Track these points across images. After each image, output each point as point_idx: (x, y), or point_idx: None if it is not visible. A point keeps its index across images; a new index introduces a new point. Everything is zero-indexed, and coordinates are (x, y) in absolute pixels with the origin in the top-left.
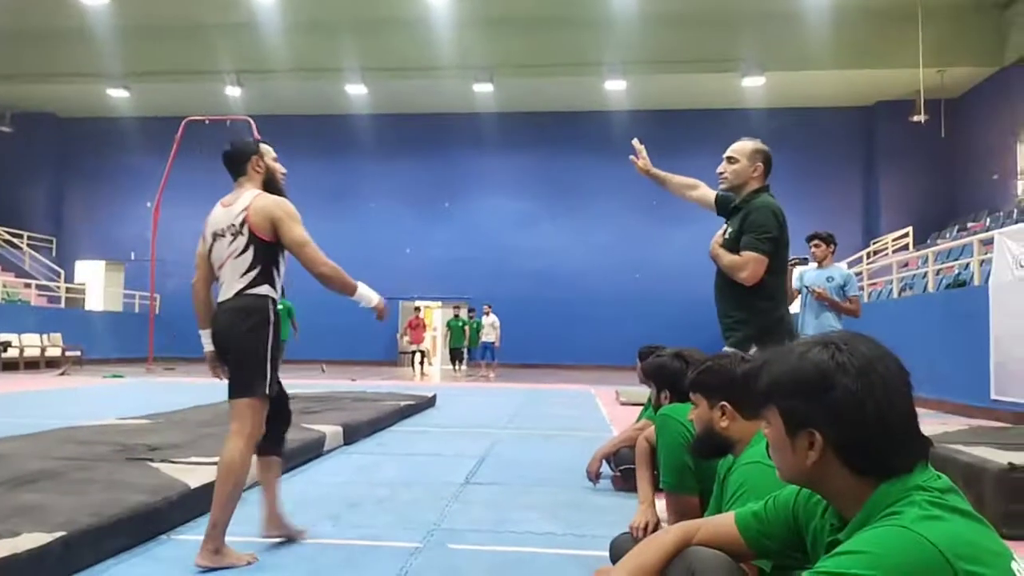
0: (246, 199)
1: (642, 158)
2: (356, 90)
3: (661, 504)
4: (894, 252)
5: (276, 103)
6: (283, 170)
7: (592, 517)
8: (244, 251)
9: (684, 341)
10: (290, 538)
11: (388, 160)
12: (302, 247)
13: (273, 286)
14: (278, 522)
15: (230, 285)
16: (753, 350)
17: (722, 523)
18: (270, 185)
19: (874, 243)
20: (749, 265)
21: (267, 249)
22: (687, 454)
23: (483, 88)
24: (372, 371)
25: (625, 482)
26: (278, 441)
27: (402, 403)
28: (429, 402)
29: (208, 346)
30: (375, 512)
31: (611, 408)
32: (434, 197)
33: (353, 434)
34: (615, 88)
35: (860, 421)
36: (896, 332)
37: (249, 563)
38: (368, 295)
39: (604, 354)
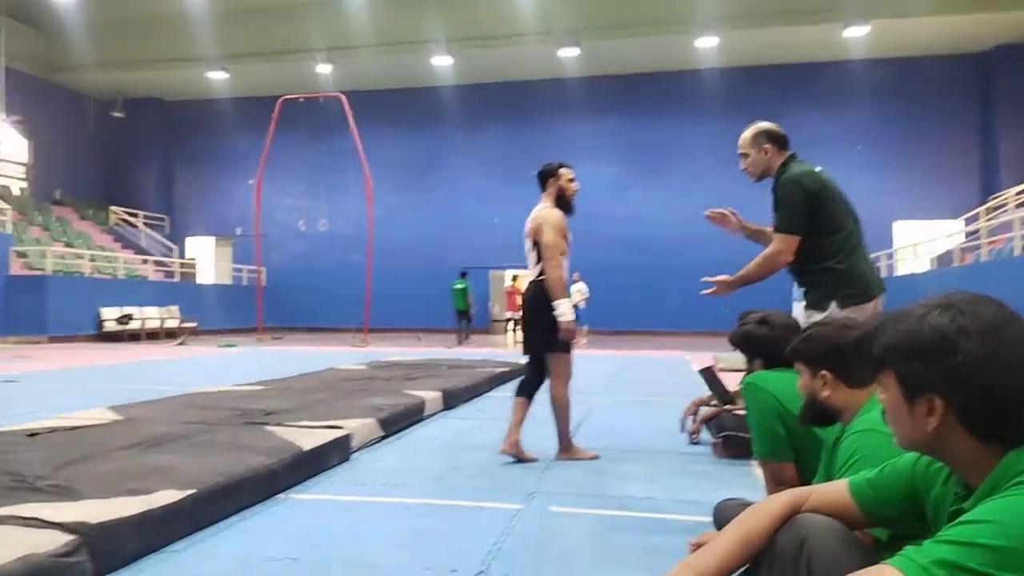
0: (535, 210)
1: (733, 216)
2: (441, 61)
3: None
4: (1016, 208)
5: (365, 79)
6: (576, 187)
7: (693, 483)
8: (532, 249)
9: (787, 304)
10: (521, 460)
11: (474, 130)
12: (545, 247)
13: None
14: (516, 448)
15: (531, 274)
16: (832, 308)
17: (834, 490)
18: (561, 200)
19: (992, 199)
20: (778, 247)
21: (540, 248)
22: (778, 421)
23: (569, 53)
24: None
25: (726, 449)
26: (532, 390)
27: (497, 370)
28: (524, 368)
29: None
30: (476, 475)
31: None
32: (521, 166)
33: (452, 399)
34: (706, 45)
35: (983, 387)
36: (1018, 291)
37: (594, 458)
38: (565, 311)
39: (699, 320)
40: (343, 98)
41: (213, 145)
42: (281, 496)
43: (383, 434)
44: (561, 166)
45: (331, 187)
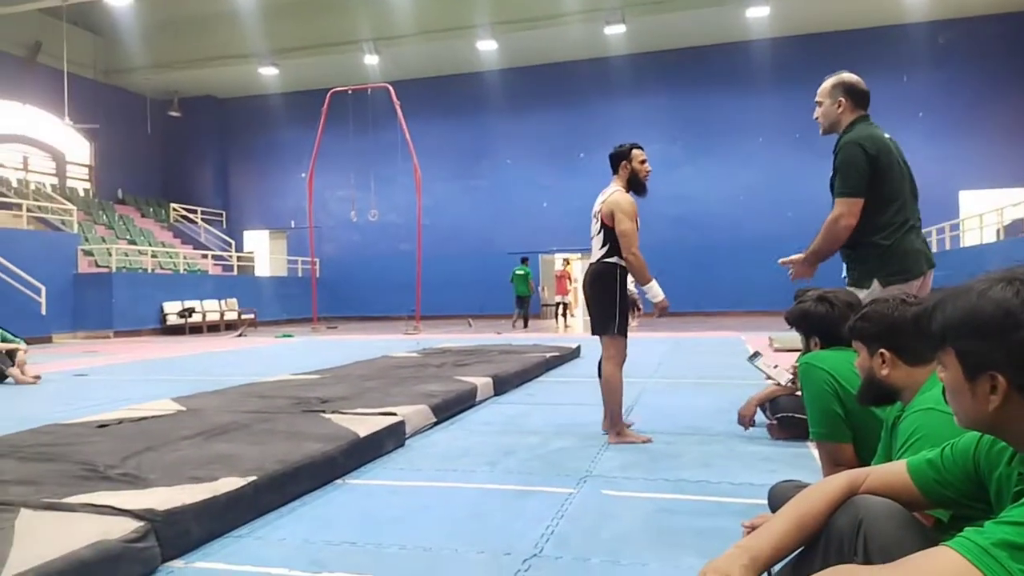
0: (606, 194)
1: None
2: (487, 46)
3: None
4: None
5: (410, 67)
6: (648, 169)
7: (747, 465)
8: (599, 232)
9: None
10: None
11: (520, 115)
12: (622, 235)
13: (620, 256)
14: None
15: (593, 255)
16: (874, 287)
17: (893, 471)
18: (634, 182)
19: None
20: (839, 211)
21: (609, 232)
22: (835, 402)
23: (615, 30)
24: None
25: (781, 431)
26: None
27: (547, 355)
28: (574, 353)
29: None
30: (528, 459)
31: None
32: (568, 148)
33: (503, 385)
34: (757, 15)
35: None
36: None
37: (645, 441)
38: (656, 291)
39: (753, 299)
40: (390, 88)
41: (266, 140)
42: (339, 481)
43: (436, 420)
44: (633, 147)
45: (380, 177)
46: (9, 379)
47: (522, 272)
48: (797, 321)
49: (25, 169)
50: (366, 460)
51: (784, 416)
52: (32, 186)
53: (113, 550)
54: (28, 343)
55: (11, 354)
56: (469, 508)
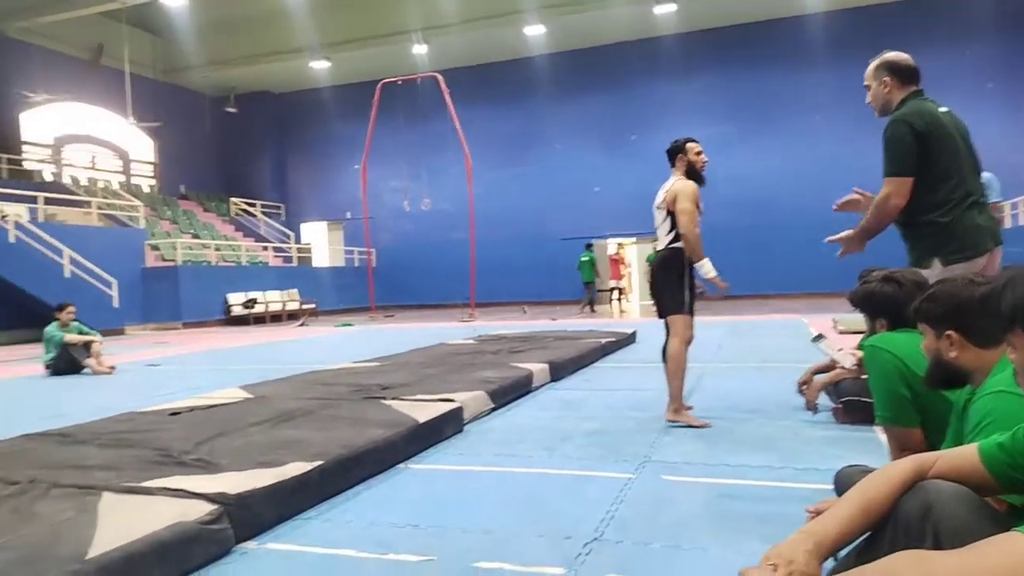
0: (668, 184)
1: (862, 197)
2: (534, 31)
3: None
4: None
5: (458, 56)
6: (705, 160)
7: (811, 450)
8: (665, 219)
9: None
10: (691, 426)
11: (569, 99)
12: (680, 213)
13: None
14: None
15: (660, 242)
16: (935, 266)
17: (963, 455)
18: (692, 173)
19: None
20: (887, 191)
21: (674, 219)
22: (902, 385)
23: (665, 9)
24: (570, 310)
25: (847, 415)
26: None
27: (603, 340)
28: (629, 338)
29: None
30: (586, 444)
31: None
32: (619, 131)
33: (559, 371)
34: None
35: None
36: None
37: (703, 426)
38: (708, 268)
39: (814, 281)
40: (439, 77)
41: (321, 133)
42: (400, 466)
43: (493, 406)
44: (688, 141)
45: (432, 166)
46: (86, 369)
47: (587, 258)
48: (862, 302)
49: (93, 168)
50: (426, 445)
51: (849, 400)
52: (100, 184)
53: (190, 531)
54: (103, 335)
55: (88, 346)
56: (528, 492)
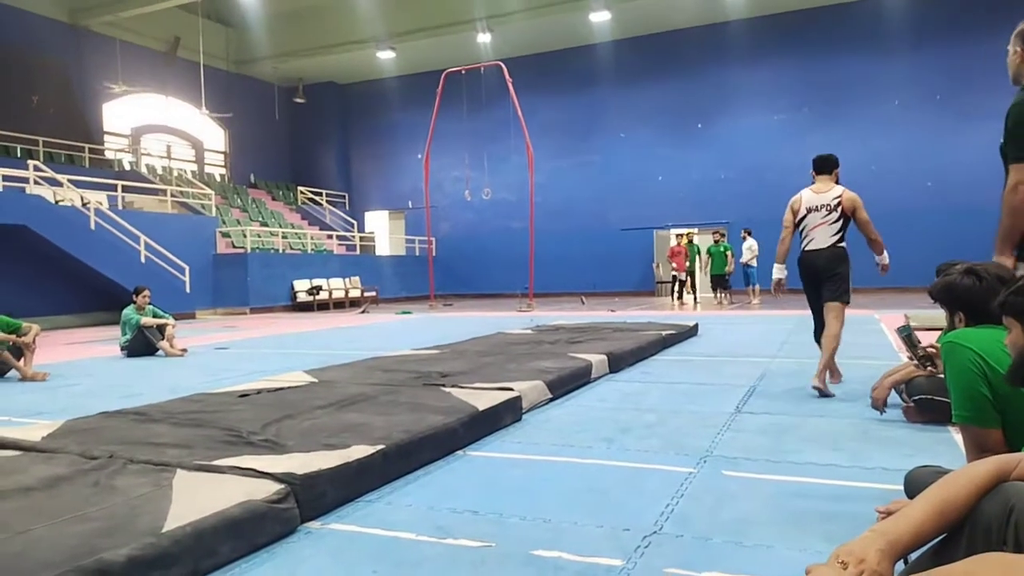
0: (836, 191)
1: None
2: (600, 17)
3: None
4: None
5: (521, 44)
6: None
7: (881, 449)
8: (836, 221)
9: (990, 256)
10: (823, 394)
11: (633, 86)
12: (866, 223)
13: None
14: (824, 379)
15: (822, 239)
16: None
17: None
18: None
19: None
20: (1017, 179)
21: (846, 221)
22: (982, 383)
23: None
24: (629, 301)
25: (920, 414)
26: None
27: (664, 332)
28: (691, 331)
29: (779, 274)
30: (646, 437)
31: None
32: (685, 119)
33: (618, 363)
34: None
35: None
36: None
37: (830, 396)
38: (886, 256)
39: (888, 275)
40: (503, 66)
41: (384, 123)
42: (459, 453)
43: (551, 396)
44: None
45: (493, 155)
46: (160, 352)
47: (719, 249)
48: (940, 295)
49: (168, 157)
50: (485, 433)
51: (923, 398)
52: (175, 173)
53: (259, 510)
54: (175, 319)
55: (161, 329)
56: (587, 483)
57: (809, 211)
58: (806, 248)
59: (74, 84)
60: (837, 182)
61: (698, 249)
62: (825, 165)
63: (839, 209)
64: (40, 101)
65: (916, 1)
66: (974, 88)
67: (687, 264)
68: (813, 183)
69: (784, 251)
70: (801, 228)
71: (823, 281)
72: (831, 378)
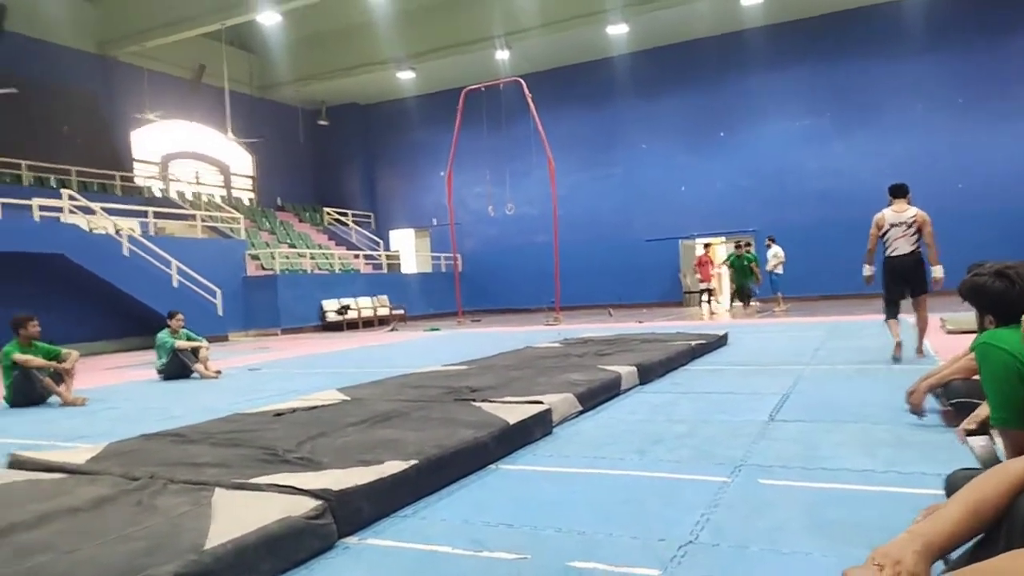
0: (912, 211)
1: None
2: (617, 30)
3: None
4: None
5: (540, 59)
6: None
7: (918, 454)
8: (913, 234)
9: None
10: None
11: (653, 97)
12: (929, 236)
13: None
14: (899, 350)
15: (905, 247)
16: None
17: None
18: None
19: None
20: None
21: (919, 233)
22: (1018, 384)
23: (751, 1)
24: (656, 312)
25: (958, 418)
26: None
27: (693, 343)
28: (720, 340)
29: (868, 272)
30: (678, 447)
31: (935, 337)
32: (707, 129)
33: (647, 374)
34: None
35: None
36: None
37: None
38: (937, 270)
39: None
40: (522, 82)
41: (406, 141)
42: (492, 467)
43: (581, 408)
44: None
45: (515, 171)
46: (195, 374)
47: (746, 259)
48: (969, 294)
49: (197, 182)
50: (516, 447)
51: (960, 402)
52: (204, 198)
53: (297, 525)
54: (208, 341)
55: (195, 351)
56: (620, 494)
57: (892, 226)
58: (891, 254)
59: (104, 113)
60: (909, 203)
61: (733, 259)
62: (900, 191)
63: (914, 225)
64: (71, 131)
65: (935, 4)
66: (998, 91)
67: (713, 273)
68: (890, 204)
69: (871, 255)
70: (885, 239)
71: (910, 279)
72: (917, 354)
